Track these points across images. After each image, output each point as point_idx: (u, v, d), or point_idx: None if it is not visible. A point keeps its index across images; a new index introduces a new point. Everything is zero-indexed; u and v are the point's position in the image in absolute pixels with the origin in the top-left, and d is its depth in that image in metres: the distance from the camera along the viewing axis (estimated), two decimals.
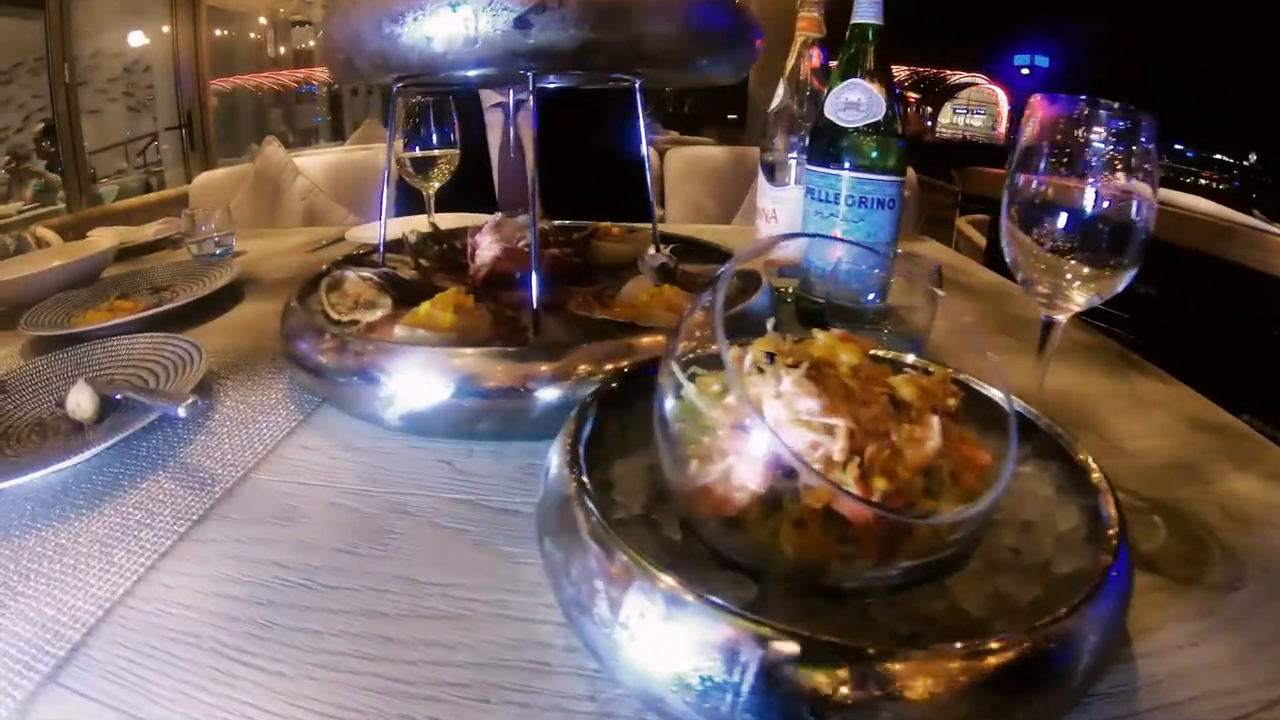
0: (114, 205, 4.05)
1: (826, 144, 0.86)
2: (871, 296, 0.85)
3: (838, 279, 0.86)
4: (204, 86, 5.22)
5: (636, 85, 0.88)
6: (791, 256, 1.11)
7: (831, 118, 0.84)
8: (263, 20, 6.07)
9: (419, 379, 0.63)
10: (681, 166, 2.50)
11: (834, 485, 0.40)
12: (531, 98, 0.71)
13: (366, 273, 0.83)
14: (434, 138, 1.14)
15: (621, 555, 0.38)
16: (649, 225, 1.00)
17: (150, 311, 1.03)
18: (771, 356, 0.48)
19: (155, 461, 0.66)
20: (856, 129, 0.83)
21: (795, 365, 0.47)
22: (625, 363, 0.64)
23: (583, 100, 1.92)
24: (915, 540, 0.43)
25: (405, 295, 0.82)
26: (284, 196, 2.45)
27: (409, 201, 1.92)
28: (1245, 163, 6.25)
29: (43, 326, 1.02)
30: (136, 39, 5.21)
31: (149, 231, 1.69)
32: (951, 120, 7.55)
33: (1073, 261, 0.59)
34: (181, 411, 0.63)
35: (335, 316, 0.79)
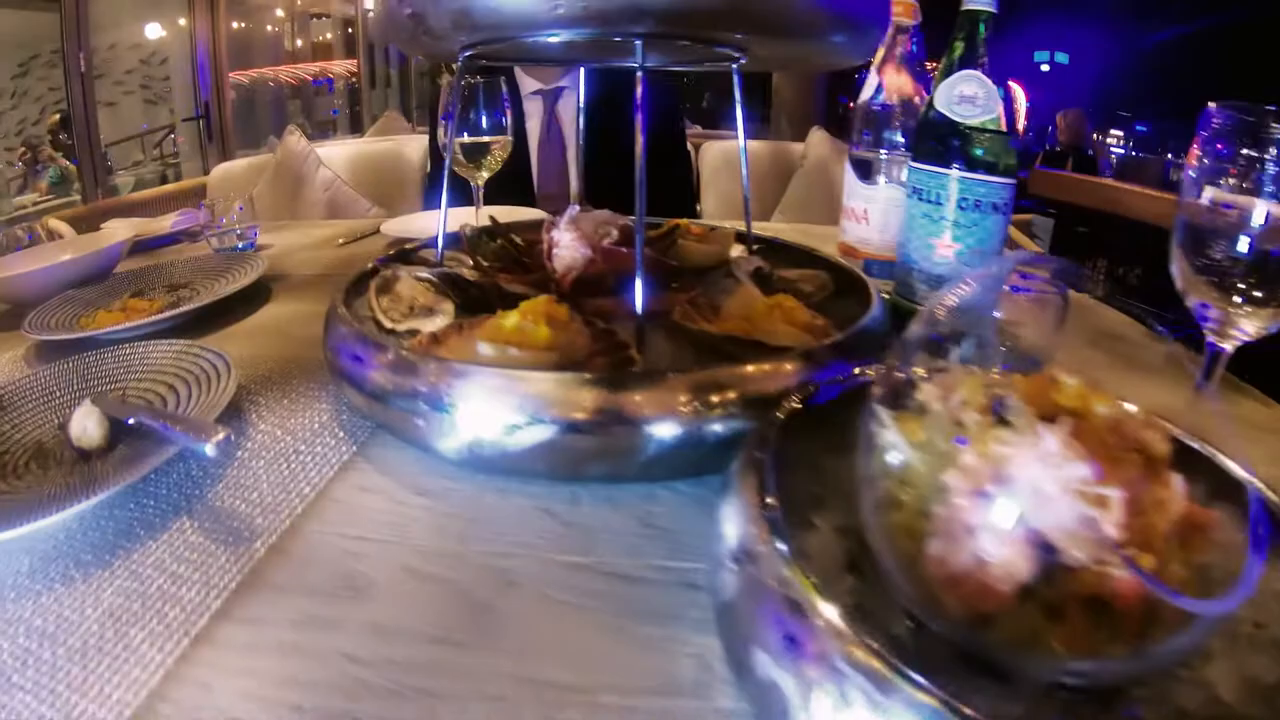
0: (130, 196, 3.93)
1: (935, 140, 0.76)
2: None
3: (943, 283, 0.76)
4: (222, 78, 5.10)
5: (735, 68, 0.76)
6: (881, 251, 1.00)
7: (944, 111, 0.75)
8: (280, 13, 5.93)
9: (510, 409, 0.50)
10: (718, 161, 2.37)
11: (1147, 576, 0.30)
12: (640, 76, 0.58)
13: (424, 273, 0.70)
14: (484, 122, 1.02)
15: (904, 689, 0.26)
16: (725, 224, 0.88)
17: (168, 314, 0.90)
18: (1003, 404, 0.37)
19: (178, 504, 0.53)
20: (971, 125, 0.74)
21: (1048, 418, 0.36)
22: (734, 393, 0.51)
23: (622, 90, 1.78)
24: (1170, 622, 0.34)
25: (469, 300, 0.69)
26: (306, 188, 2.32)
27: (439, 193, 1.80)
28: None
29: (48, 329, 0.90)
30: (154, 31, 5.11)
31: (165, 223, 1.57)
32: None
33: (1243, 287, 0.54)
34: (209, 449, 0.50)
35: (389, 325, 0.66)
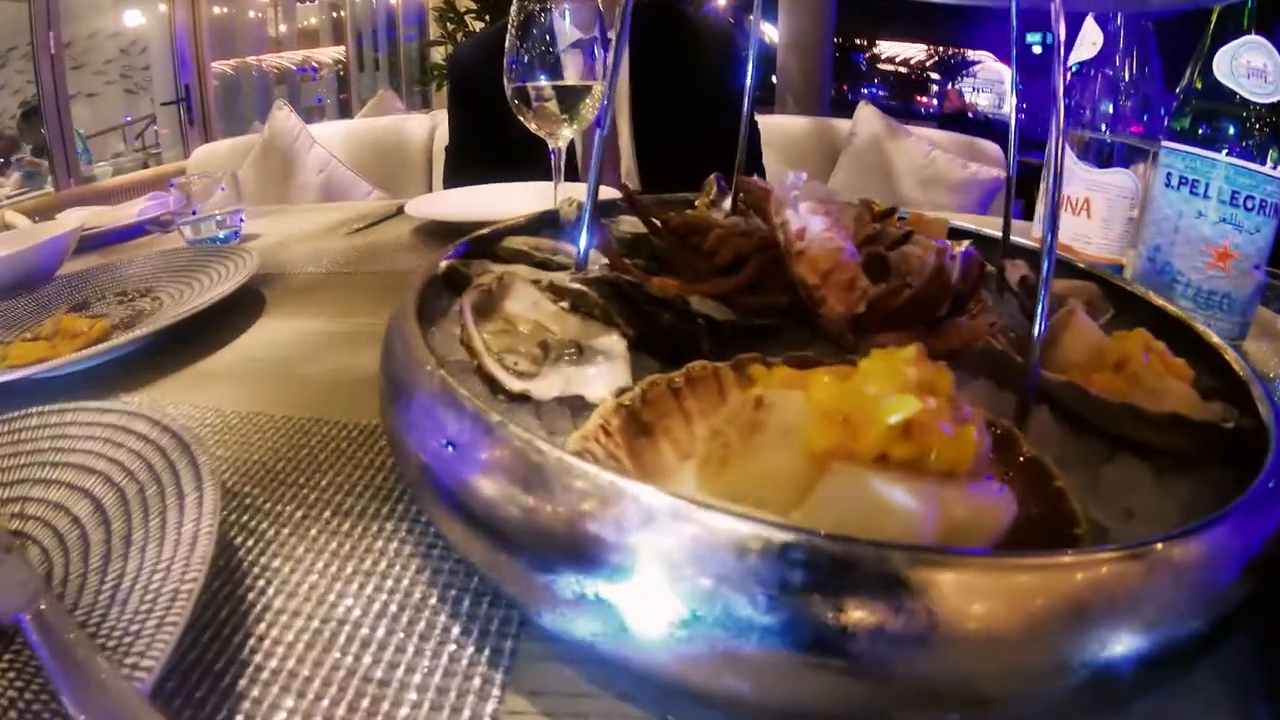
0: (101, 184, 3.50)
1: (1207, 118, 0.59)
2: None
3: (1218, 301, 0.58)
4: (203, 65, 4.64)
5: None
6: (1105, 252, 0.69)
7: (1230, 85, 0.57)
8: None
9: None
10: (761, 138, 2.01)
11: None
12: None
13: (561, 278, 0.36)
14: (569, 59, 0.67)
15: None
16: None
17: (104, 345, 0.55)
18: None
19: None
20: (1258, 105, 0.56)
21: None
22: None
23: (684, 41, 1.45)
24: None
25: (652, 330, 0.35)
26: (297, 170, 1.93)
27: (465, 170, 1.43)
28: None
29: None
30: (133, 19, 4.68)
31: (132, 212, 1.20)
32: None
33: None
34: None
35: (516, 386, 0.31)
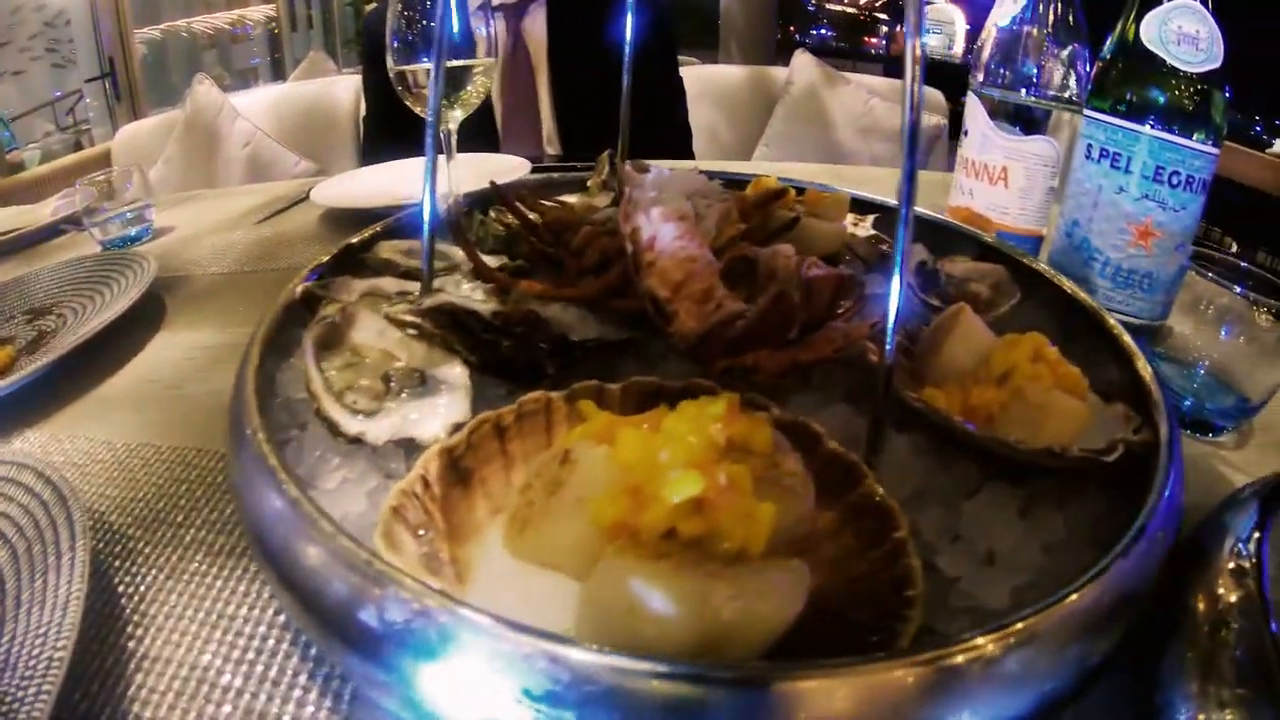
0: (29, 174, 3.34)
1: (1132, 87, 0.55)
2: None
3: (1137, 281, 0.55)
4: (126, 31, 4.39)
5: None
6: (1022, 224, 0.66)
7: (1158, 52, 0.53)
8: None
9: None
10: (692, 88, 1.94)
11: None
12: None
13: (402, 308, 0.36)
14: (457, 38, 0.64)
15: None
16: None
17: (3, 382, 0.54)
18: None
19: None
20: (1188, 75, 0.52)
21: None
22: None
23: (600, 6, 1.39)
24: None
25: (495, 357, 0.35)
26: (222, 144, 1.86)
27: (382, 142, 1.39)
28: None
29: None
30: None
31: (45, 212, 1.16)
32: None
33: None
34: None
35: (350, 429, 0.31)
